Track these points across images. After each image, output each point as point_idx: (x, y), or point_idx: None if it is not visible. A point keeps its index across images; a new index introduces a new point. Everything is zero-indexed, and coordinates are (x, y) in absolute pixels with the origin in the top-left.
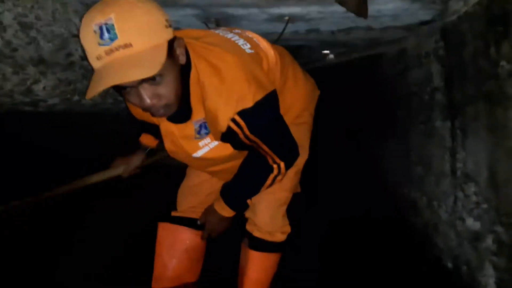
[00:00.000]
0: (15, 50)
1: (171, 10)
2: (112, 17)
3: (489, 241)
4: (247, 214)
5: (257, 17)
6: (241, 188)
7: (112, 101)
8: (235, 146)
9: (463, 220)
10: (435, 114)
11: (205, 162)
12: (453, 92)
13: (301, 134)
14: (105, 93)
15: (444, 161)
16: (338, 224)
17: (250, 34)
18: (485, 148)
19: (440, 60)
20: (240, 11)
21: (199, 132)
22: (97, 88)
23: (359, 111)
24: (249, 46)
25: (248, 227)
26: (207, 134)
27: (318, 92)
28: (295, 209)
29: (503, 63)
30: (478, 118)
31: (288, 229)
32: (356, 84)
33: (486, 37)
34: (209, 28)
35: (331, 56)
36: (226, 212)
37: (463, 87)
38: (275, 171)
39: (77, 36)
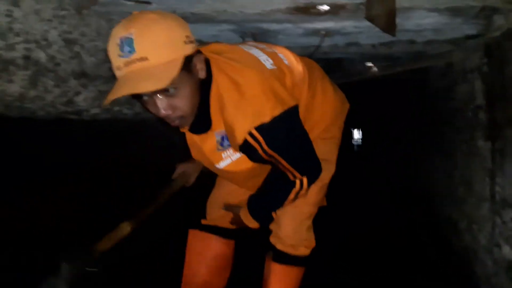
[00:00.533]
0: (58, 64)
1: (209, 26)
2: (132, 32)
3: None
4: (271, 226)
5: (293, 32)
6: (264, 201)
7: None
8: (254, 160)
9: (499, 247)
10: (477, 134)
11: (229, 174)
12: (495, 111)
13: (328, 149)
14: None
15: (484, 184)
16: (380, 238)
17: (277, 49)
18: None
19: (483, 77)
20: (274, 26)
21: (221, 144)
22: (112, 96)
23: (406, 125)
24: (271, 62)
25: (272, 239)
26: (229, 146)
27: (347, 106)
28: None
29: None
30: None
31: (312, 243)
32: (403, 97)
33: None
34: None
35: (375, 69)
36: (251, 223)
37: (505, 107)
38: (297, 187)
39: None
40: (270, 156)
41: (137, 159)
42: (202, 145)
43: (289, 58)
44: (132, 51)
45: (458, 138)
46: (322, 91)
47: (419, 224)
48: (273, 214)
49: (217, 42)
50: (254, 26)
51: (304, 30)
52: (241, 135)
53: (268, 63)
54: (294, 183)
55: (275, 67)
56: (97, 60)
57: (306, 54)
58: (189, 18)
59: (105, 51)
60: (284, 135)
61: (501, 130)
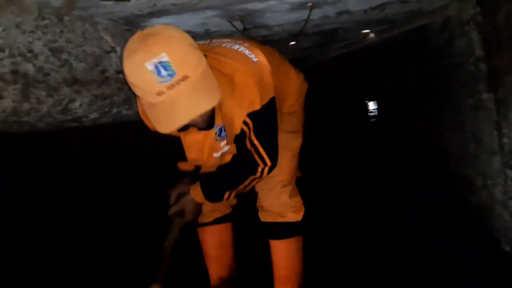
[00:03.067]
0: (47, 74)
1: (194, 14)
2: (163, 54)
3: None
4: (257, 205)
5: (279, 8)
6: (221, 181)
7: None
8: (239, 149)
9: None
10: (480, 86)
11: (222, 161)
12: (493, 61)
13: (295, 122)
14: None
15: (493, 137)
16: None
17: (249, 43)
18: None
19: (479, 27)
20: (259, 5)
21: (219, 135)
22: (177, 122)
23: (413, 87)
24: (253, 55)
25: (262, 217)
26: (225, 136)
27: (306, 86)
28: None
29: None
30: None
31: (301, 208)
32: (406, 59)
33: None
34: (234, 27)
35: (372, 35)
36: (199, 198)
37: (501, 55)
38: (258, 174)
39: (109, 52)
40: (252, 144)
41: (143, 157)
42: (205, 140)
43: (258, 52)
44: (172, 73)
45: (463, 93)
46: (286, 73)
47: (435, 185)
48: (226, 195)
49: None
50: (239, 8)
51: (290, 4)
52: (239, 124)
53: (251, 56)
54: (256, 171)
55: (257, 59)
56: (87, 65)
57: (297, 29)
58: (172, 10)
59: (93, 55)
60: (267, 122)
61: (501, 79)
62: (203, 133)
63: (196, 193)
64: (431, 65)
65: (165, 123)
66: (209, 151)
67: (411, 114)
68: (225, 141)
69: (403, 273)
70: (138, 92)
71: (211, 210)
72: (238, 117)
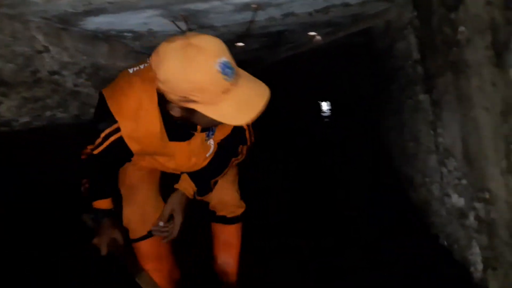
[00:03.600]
0: None
1: (133, 14)
2: (222, 55)
3: (471, 218)
4: (213, 200)
5: (223, 9)
6: (209, 172)
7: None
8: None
9: (449, 196)
10: (417, 88)
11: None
12: (427, 63)
13: None
14: (83, 103)
15: (430, 136)
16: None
17: None
18: (457, 120)
19: (416, 30)
20: (202, 6)
21: (207, 135)
22: (254, 111)
23: (359, 89)
24: None
25: (220, 210)
26: (213, 135)
27: None
28: None
29: (461, 28)
30: (448, 89)
31: (243, 203)
32: (351, 62)
33: (447, 1)
34: (178, 27)
35: (318, 37)
36: (189, 192)
37: (434, 58)
38: (239, 156)
39: (42, 52)
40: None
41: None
42: (201, 143)
43: None
44: (233, 71)
45: (403, 95)
46: None
47: (382, 184)
48: (212, 184)
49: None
50: (181, 8)
51: (233, 6)
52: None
53: None
54: (238, 153)
55: None
56: (16, 66)
57: (243, 30)
58: (109, 9)
59: (23, 55)
60: None
61: (434, 80)
62: (198, 136)
63: (186, 187)
64: (375, 68)
65: (243, 115)
66: (202, 152)
67: (362, 114)
68: (211, 140)
69: (367, 276)
70: (200, 97)
71: (141, 224)
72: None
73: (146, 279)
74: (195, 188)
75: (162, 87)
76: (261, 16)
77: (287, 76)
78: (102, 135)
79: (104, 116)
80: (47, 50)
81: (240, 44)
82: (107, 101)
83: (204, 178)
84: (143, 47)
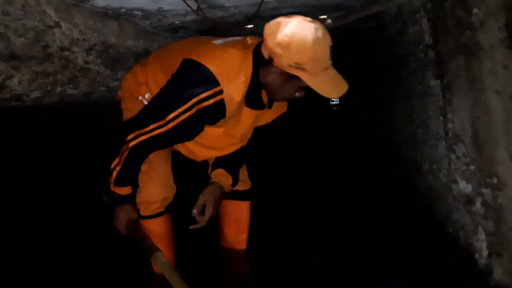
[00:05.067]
0: None
1: None
2: (330, 42)
3: (478, 204)
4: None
5: None
6: (240, 159)
7: (105, 88)
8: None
9: (457, 183)
10: (428, 73)
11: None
12: (439, 47)
13: None
14: (93, 81)
15: (439, 122)
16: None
17: None
18: (467, 105)
19: (428, 14)
20: None
21: None
22: (342, 91)
23: (368, 74)
24: None
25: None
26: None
27: None
28: None
29: (475, 10)
30: (459, 73)
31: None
32: (362, 47)
33: None
34: (189, 6)
35: (329, 21)
36: (228, 187)
37: (446, 41)
38: None
39: (53, 27)
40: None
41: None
42: (262, 114)
43: None
44: (331, 57)
45: (413, 80)
46: None
47: (387, 171)
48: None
49: None
50: None
51: None
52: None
53: None
54: None
55: None
56: (27, 40)
57: (253, 11)
58: None
59: (35, 30)
60: None
61: (446, 64)
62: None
63: (222, 180)
64: (385, 53)
65: (336, 89)
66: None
67: (368, 101)
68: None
69: (372, 264)
70: (312, 67)
71: (158, 201)
72: None
73: (161, 259)
74: (231, 181)
75: (277, 51)
76: None
77: None
78: (194, 100)
79: (200, 81)
80: (58, 25)
81: (250, 26)
82: (207, 66)
83: (236, 165)
84: (152, 27)
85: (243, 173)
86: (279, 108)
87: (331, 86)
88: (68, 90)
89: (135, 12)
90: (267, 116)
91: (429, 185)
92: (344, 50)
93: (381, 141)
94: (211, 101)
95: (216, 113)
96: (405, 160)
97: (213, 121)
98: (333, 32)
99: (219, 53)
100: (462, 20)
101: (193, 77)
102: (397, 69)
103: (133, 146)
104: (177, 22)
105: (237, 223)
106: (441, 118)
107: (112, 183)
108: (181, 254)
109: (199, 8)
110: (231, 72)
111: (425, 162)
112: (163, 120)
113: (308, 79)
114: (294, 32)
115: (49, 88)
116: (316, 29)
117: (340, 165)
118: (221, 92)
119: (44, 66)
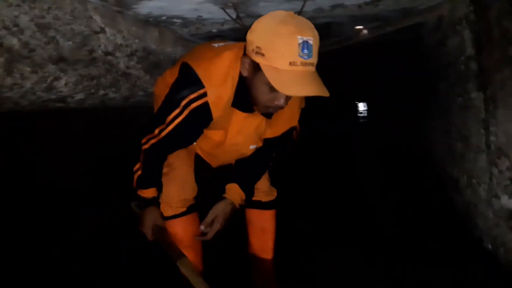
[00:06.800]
0: (32, 50)
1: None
2: (311, 38)
3: None
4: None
5: None
6: (255, 175)
7: (143, 93)
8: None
9: (498, 198)
10: (470, 85)
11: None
12: (483, 59)
13: None
14: (133, 85)
15: (480, 135)
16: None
17: None
18: None
19: (471, 25)
20: None
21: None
22: (304, 91)
23: (403, 87)
24: None
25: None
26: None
27: None
28: None
29: None
30: (505, 85)
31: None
32: (398, 59)
33: None
34: (228, 14)
35: (365, 31)
36: (239, 202)
37: (491, 52)
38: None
39: (98, 32)
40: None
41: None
42: (252, 120)
43: None
44: (310, 55)
45: (452, 92)
46: None
47: (423, 186)
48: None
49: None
50: None
51: None
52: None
53: None
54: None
55: None
56: (75, 44)
57: None
58: None
59: (82, 34)
60: None
61: (490, 76)
62: (257, 117)
63: (234, 196)
64: (421, 65)
65: (292, 88)
66: (251, 137)
67: (401, 113)
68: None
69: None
70: (270, 53)
71: (180, 201)
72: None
73: (186, 264)
74: (243, 196)
75: (249, 36)
76: (310, 7)
77: (330, 71)
78: (183, 102)
79: (187, 83)
80: (103, 31)
81: None
82: (194, 69)
83: (249, 180)
84: (190, 35)
85: (264, 184)
86: (287, 121)
87: (292, 83)
88: (110, 94)
89: (175, 20)
90: (274, 128)
91: (467, 200)
92: (380, 61)
93: (415, 153)
94: (199, 102)
95: (205, 114)
96: (441, 173)
97: (205, 123)
98: (370, 42)
99: (209, 56)
100: (509, 31)
101: (183, 80)
102: (435, 81)
103: (145, 150)
104: (214, 30)
105: (262, 233)
106: (483, 131)
107: (135, 186)
108: (209, 259)
109: (238, 16)
110: (217, 75)
111: (463, 176)
112: (164, 124)
113: (266, 68)
114: (263, 17)
115: (92, 91)
116: (287, 17)
117: (373, 176)
118: (205, 94)
119: (89, 70)
